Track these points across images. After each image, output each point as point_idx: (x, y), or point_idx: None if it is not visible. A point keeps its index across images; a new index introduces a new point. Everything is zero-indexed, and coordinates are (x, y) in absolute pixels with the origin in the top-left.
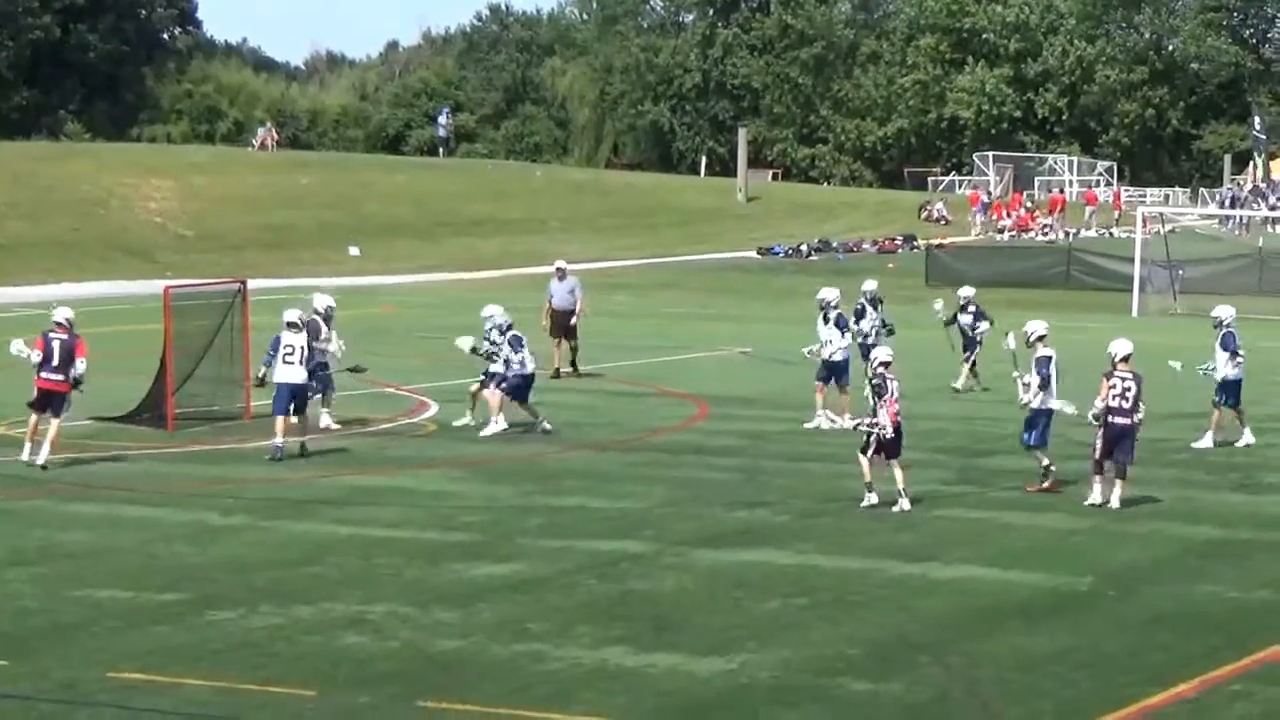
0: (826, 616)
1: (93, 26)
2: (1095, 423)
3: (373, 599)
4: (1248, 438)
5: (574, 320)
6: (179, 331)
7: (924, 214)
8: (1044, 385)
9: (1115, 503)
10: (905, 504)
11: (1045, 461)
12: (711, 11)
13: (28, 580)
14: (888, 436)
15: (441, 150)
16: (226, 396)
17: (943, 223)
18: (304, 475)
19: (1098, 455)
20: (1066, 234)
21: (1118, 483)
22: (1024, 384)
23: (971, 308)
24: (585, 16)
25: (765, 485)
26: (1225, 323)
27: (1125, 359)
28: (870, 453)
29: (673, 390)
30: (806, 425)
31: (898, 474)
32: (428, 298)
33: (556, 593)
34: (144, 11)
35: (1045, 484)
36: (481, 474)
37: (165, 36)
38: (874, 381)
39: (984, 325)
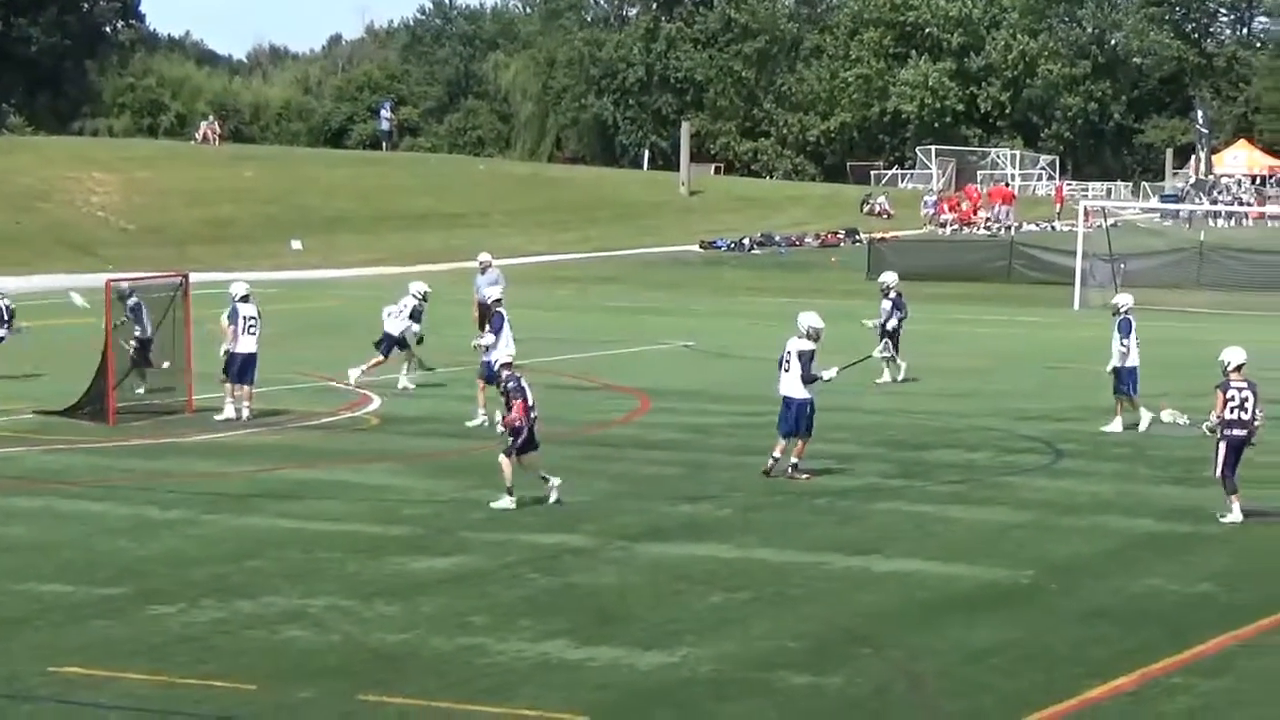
0: (768, 610)
1: (35, 20)
2: (1211, 434)
3: (314, 593)
4: (1116, 426)
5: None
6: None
7: (866, 208)
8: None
9: (1239, 515)
10: (554, 492)
11: None
12: (655, 5)
13: None
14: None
15: (385, 144)
16: (168, 390)
17: (885, 217)
18: (245, 469)
19: (1221, 471)
20: (1009, 228)
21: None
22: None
23: (893, 294)
24: (529, 10)
25: (708, 479)
26: (1121, 309)
27: (1239, 368)
28: (512, 455)
29: (615, 384)
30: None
31: (538, 461)
32: (371, 291)
33: (498, 586)
34: (86, 5)
35: None
36: (423, 468)
37: (108, 30)
38: (506, 385)
39: (896, 319)
